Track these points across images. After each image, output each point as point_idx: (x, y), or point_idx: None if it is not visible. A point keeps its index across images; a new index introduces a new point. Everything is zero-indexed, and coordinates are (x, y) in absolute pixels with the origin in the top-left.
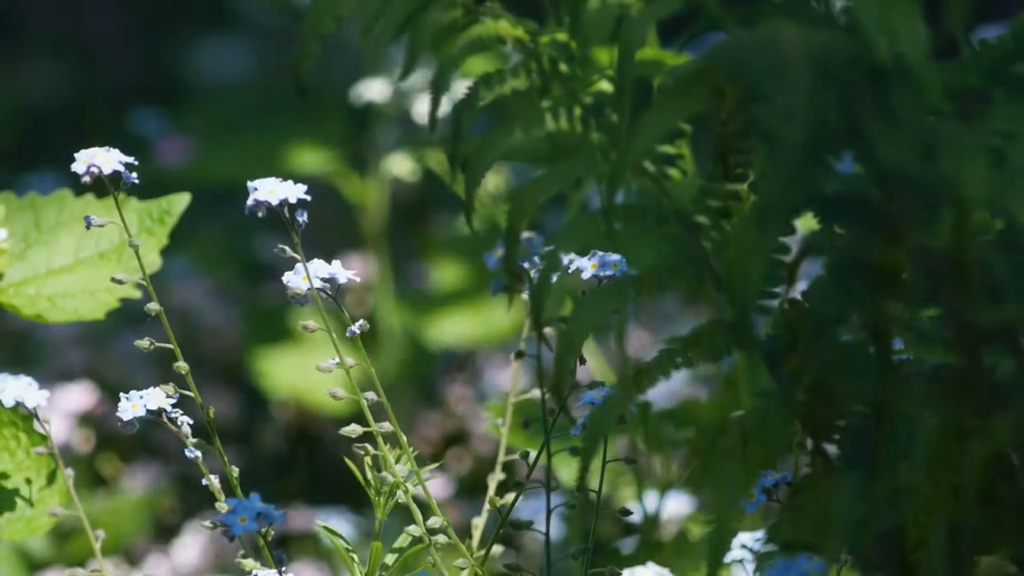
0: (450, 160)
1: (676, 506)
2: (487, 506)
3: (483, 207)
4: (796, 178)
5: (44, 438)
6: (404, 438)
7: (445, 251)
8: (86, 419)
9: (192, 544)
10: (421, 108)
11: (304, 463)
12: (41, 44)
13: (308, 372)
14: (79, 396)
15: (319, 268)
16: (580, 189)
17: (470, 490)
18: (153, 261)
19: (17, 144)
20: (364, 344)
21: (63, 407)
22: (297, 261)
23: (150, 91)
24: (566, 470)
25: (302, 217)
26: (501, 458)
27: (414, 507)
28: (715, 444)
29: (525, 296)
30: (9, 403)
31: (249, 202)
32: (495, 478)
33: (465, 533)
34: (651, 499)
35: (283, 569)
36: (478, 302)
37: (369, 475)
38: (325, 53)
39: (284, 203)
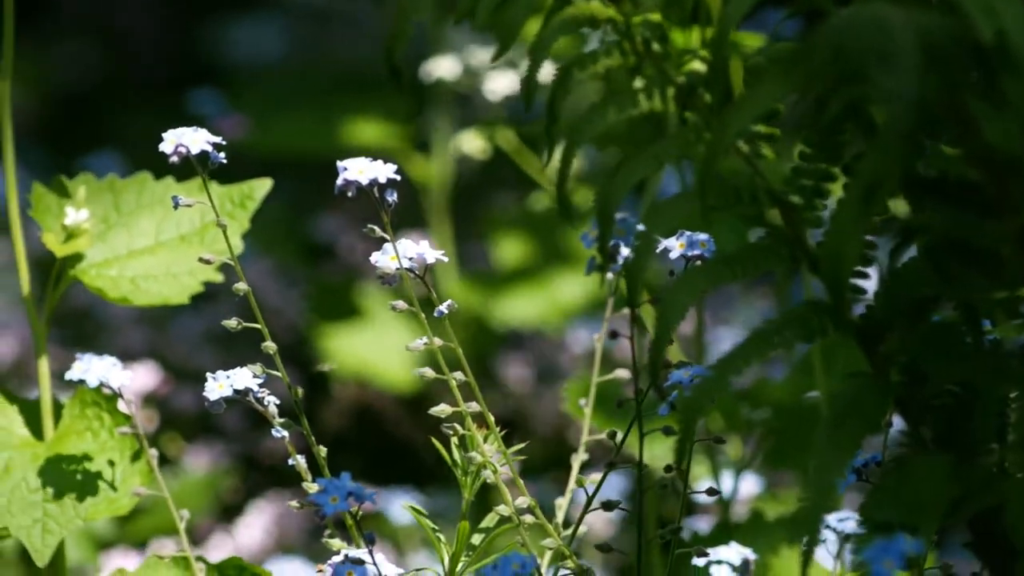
0: (546, 139)
1: (747, 486)
2: (571, 485)
3: (552, 187)
4: (900, 159)
5: (127, 418)
6: (491, 418)
7: (507, 230)
8: (150, 399)
9: (255, 524)
10: (492, 86)
11: (365, 442)
12: (73, 26)
13: (371, 351)
14: (143, 376)
15: (407, 248)
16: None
17: (531, 471)
18: (235, 244)
19: (57, 126)
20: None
21: (135, 386)
22: (386, 241)
23: (183, 72)
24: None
25: (392, 197)
26: (584, 437)
27: (503, 487)
28: (791, 424)
29: (609, 276)
30: (94, 383)
31: (339, 182)
32: (579, 458)
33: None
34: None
35: (372, 548)
36: (540, 282)
37: (456, 455)
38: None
39: (374, 183)
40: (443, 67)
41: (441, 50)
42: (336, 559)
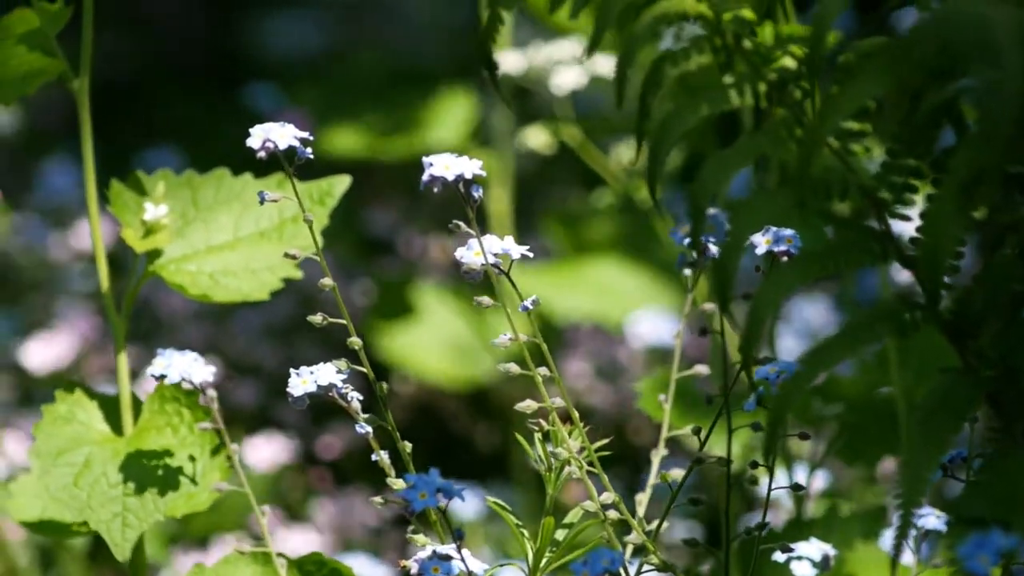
0: (636, 135)
1: (815, 482)
2: (651, 480)
3: (617, 182)
4: (1001, 154)
5: (207, 413)
6: (576, 414)
7: (568, 225)
8: None
9: (317, 519)
10: (558, 81)
11: (423, 437)
12: (106, 17)
13: (429, 346)
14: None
15: (492, 243)
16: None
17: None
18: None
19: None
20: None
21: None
22: (472, 236)
23: (218, 64)
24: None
25: (477, 192)
26: (664, 433)
27: (588, 482)
28: (865, 420)
29: (687, 272)
30: (175, 379)
31: (424, 177)
32: (658, 453)
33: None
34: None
35: (460, 544)
36: (599, 277)
37: (539, 450)
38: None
39: (460, 178)
40: (508, 62)
41: (503, 45)
42: (422, 555)
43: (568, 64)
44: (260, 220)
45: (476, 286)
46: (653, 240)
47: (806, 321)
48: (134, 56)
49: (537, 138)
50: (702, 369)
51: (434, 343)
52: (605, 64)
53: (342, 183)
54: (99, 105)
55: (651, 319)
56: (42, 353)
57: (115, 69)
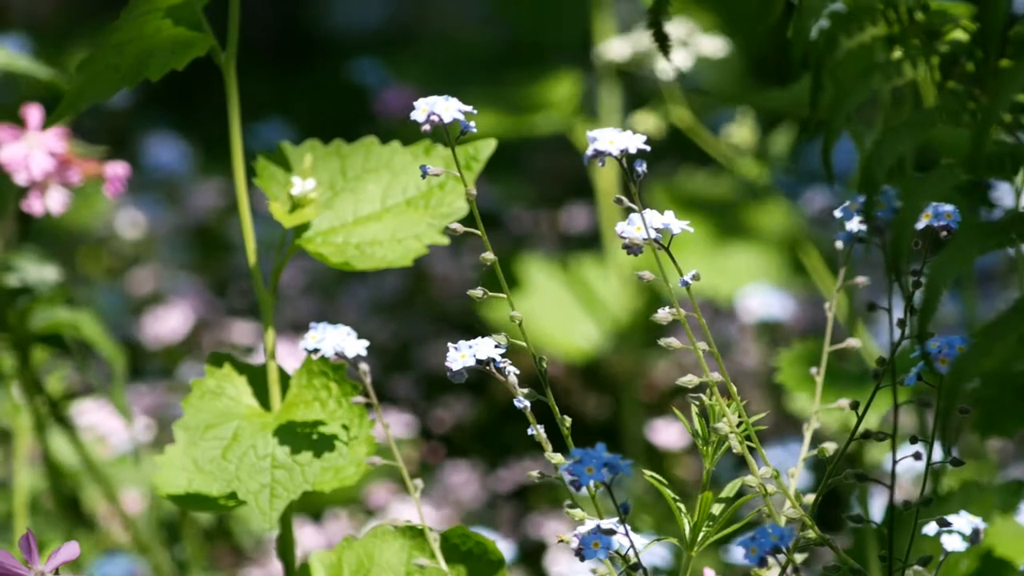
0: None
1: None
2: (803, 454)
3: (726, 160)
4: None
5: (356, 387)
6: (734, 388)
7: (678, 202)
8: None
9: (431, 494)
10: (663, 64)
11: (536, 410)
12: None
13: (542, 320)
14: None
15: (653, 219)
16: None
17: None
18: (461, 207)
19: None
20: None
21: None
22: (634, 211)
23: (284, 40)
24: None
25: (641, 167)
26: (816, 407)
27: (750, 457)
28: (1003, 393)
29: (839, 245)
30: (329, 353)
31: (589, 152)
32: (811, 426)
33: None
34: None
35: (625, 518)
36: (711, 253)
37: (697, 425)
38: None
39: (624, 153)
40: (615, 48)
41: (605, 27)
42: (582, 529)
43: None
44: (408, 188)
45: (585, 259)
46: (765, 215)
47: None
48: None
49: (647, 121)
50: (853, 343)
51: (544, 315)
52: (710, 45)
53: (487, 147)
54: (168, 82)
55: (762, 294)
56: (155, 327)
57: None
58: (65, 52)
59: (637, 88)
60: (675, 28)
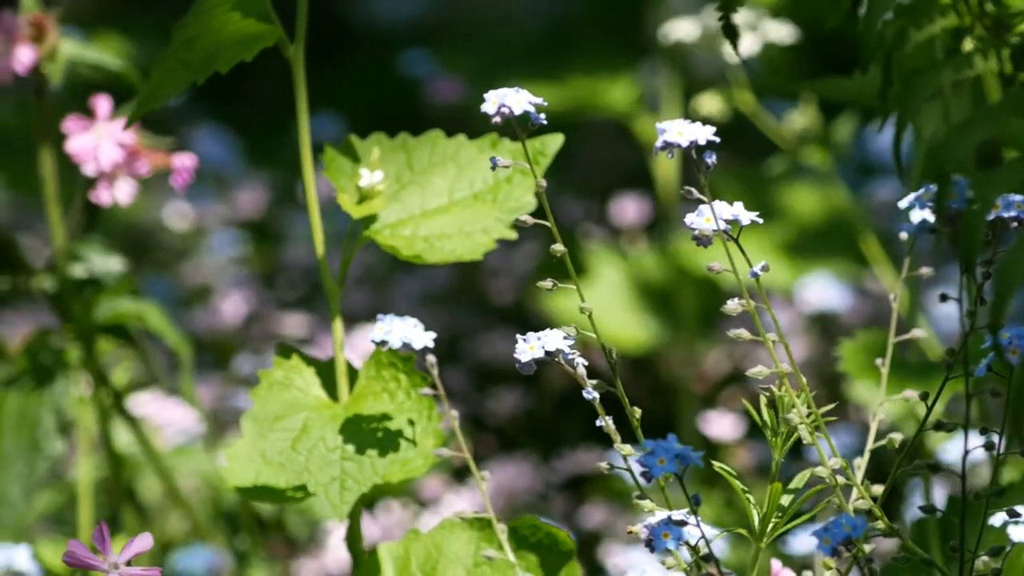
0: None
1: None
2: (870, 444)
3: (787, 146)
4: None
5: (425, 379)
6: (803, 379)
7: (734, 190)
8: None
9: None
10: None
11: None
12: None
13: (597, 310)
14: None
15: (722, 210)
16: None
17: (757, 431)
18: (529, 201)
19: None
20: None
21: (360, 347)
22: (704, 203)
23: (320, 32)
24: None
25: (710, 159)
26: (882, 397)
27: (820, 449)
28: None
29: (903, 236)
30: (396, 344)
31: (658, 144)
32: (877, 417)
33: (761, 474)
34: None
35: (696, 510)
36: (768, 242)
37: (765, 415)
38: None
39: (693, 144)
40: (681, 29)
41: (664, 11)
42: (652, 520)
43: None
44: (474, 182)
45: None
46: (824, 205)
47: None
48: None
49: (711, 105)
50: (919, 333)
51: (600, 305)
52: (778, 31)
53: (555, 141)
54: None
55: (821, 284)
56: (207, 319)
57: None
58: (104, 44)
59: (691, 72)
60: (742, 14)
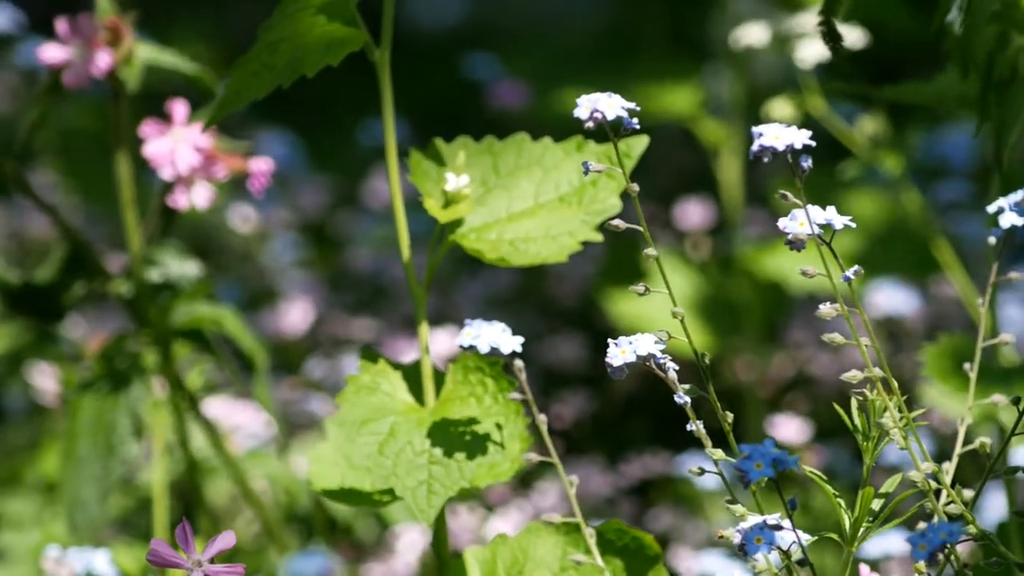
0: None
1: None
2: (958, 449)
3: (860, 150)
4: None
5: (512, 384)
6: (895, 383)
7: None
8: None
9: (552, 490)
10: (802, 54)
11: (653, 405)
12: None
13: (660, 314)
14: (442, 340)
15: (816, 214)
16: None
17: (819, 435)
18: (614, 204)
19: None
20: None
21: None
22: (798, 207)
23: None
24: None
25: (806, 163)
26: (970, 403)
27: (913, 452)
28: None
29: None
30: (484, 349)
31: (754, 147)
32: (964, 422)
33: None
34: None
35: (792, 514)
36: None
37: (856, 419)
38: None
39: (789, 148)
40: (752, 34)
41: (728, 16)
42: (745, 524)
43: (812, 36)
44: (560, 185)
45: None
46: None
47: None
48: None
49: (782, 110)
50: (1007, 338)
51: (666, 310)
52: (851, 35)
53: (640, 144)
54: None
55: (889, 289)
56: (275, 322)
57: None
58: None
59: (750, 76)
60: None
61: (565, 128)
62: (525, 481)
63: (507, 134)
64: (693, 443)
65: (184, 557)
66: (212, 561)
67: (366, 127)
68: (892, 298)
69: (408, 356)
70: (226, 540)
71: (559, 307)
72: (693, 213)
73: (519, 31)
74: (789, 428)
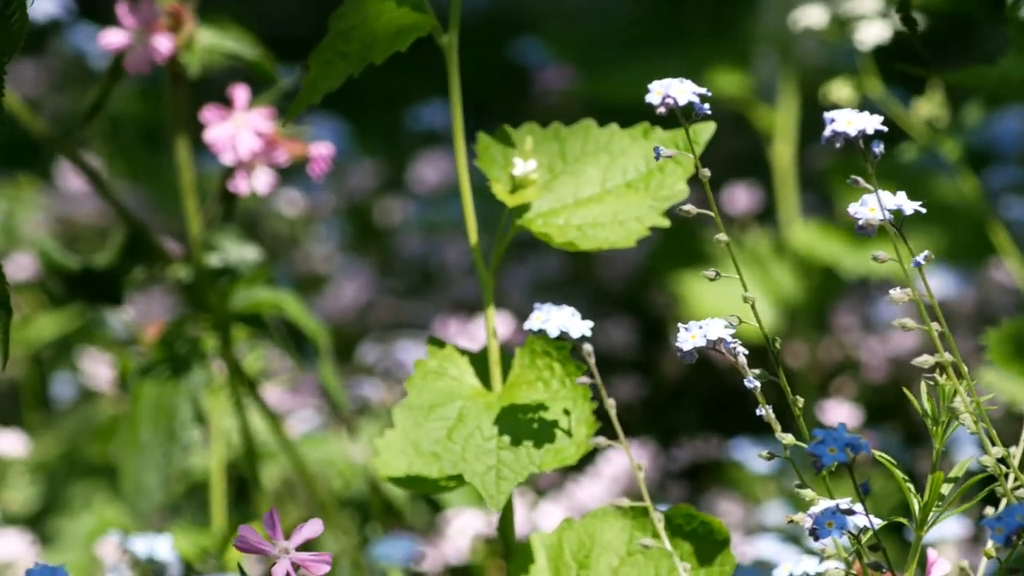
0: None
1: None
2: None
3: (917, 134)
4: None
5: (580, 368)
6: (965, 367)
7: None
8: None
9: (603, 474)
10: (862, 36)
11: (702, 390)
12: None
13: (710, 299)
14: (501, 324)
15: (887, 200)
16: None
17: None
18: (681, 189)
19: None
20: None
21: (480, 337)
22: (869, 192)
23: None
24: None
25: (878, 148)
26: None
27: (984, 438)
28: None
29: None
30: (554, 333)
31: (826, 132)
32: None
33: (876, 463)
34: None
35: (865, 499)
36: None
37: (926, 404)
38: None
39: (861, 134)
40: (812, 16)
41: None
42: (816, 508)
43: (871, 19)
44: (627, 171)
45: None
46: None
47: None
48: (301, 17)
49: (841, 92)
50: None
51: (715, 295)
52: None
53: (707, 130)
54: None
55: (939, 276)
56: (325, 307)
57: (292, 27)
58: None
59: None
60: (872, 2)
61: (610, 112)
62: (578, 464)
63: (549, 119)
64: (743, 428)
65: (271, 544)
66: (299, 549)
67: (413, 113)
68: (942, 284)
69: (460, 341)
70: (313, 528)
71: (607, 292)
72: (741, 197)
73: (548, 17)
74: (840, 413)
